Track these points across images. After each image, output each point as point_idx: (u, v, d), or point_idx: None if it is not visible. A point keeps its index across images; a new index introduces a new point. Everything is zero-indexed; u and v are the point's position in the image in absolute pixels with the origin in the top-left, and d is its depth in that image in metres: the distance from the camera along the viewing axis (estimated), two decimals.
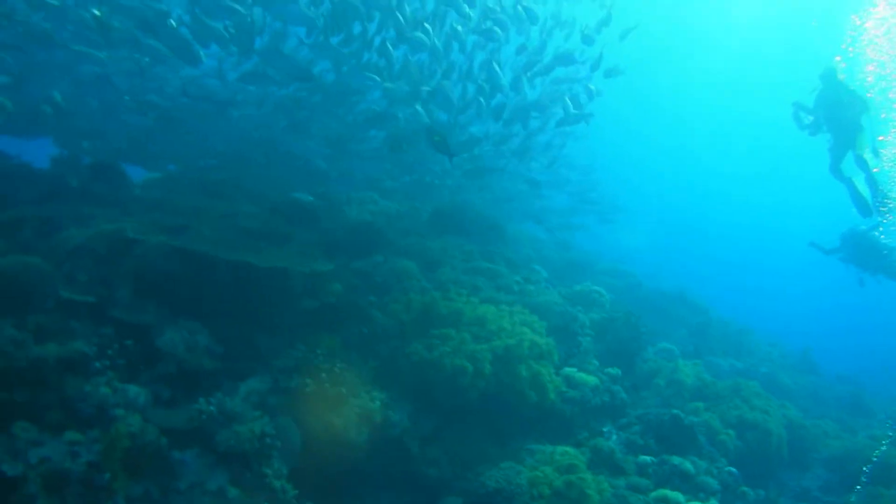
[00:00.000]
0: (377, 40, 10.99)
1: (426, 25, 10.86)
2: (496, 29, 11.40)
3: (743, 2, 36.89)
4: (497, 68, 11.63)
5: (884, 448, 10.08)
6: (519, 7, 11.97)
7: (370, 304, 8.69)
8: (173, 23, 9.40)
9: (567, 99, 13.26)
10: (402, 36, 10.69)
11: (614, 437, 9.05)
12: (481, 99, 11.77)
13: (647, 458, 8.65)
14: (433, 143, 8.48)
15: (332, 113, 12.50)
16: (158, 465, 5.77)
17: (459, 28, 11.75)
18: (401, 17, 10.46)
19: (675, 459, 8.66)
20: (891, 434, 11.07)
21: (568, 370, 9.32)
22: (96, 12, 9.64)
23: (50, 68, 11.13)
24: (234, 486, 5.92)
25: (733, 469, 9.09)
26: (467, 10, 11.14)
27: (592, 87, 14.08)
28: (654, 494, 8.01)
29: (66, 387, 5.82)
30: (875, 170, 10.94)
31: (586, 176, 20.60)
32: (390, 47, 10.88)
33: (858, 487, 9.41)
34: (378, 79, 11.03)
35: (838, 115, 10.98)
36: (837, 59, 11.55)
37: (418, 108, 11.63)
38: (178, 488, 5.76)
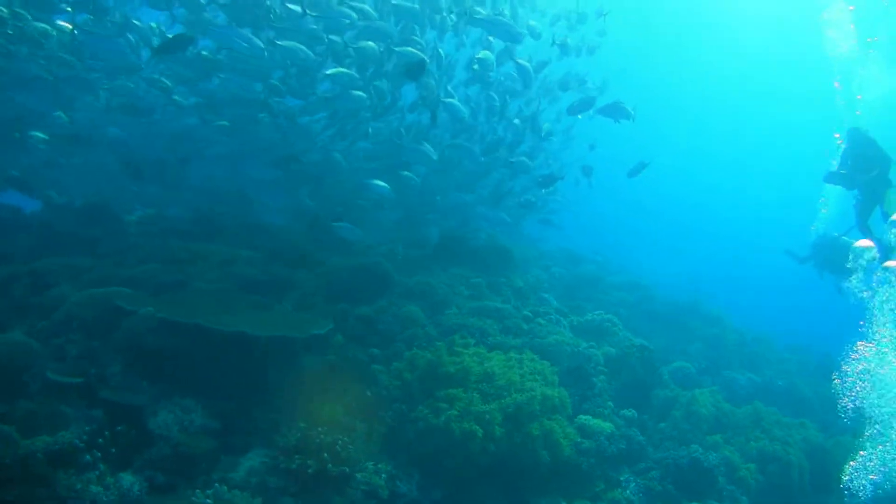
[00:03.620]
0: None
1: None
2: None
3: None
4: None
5: None
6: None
7: (373, 359, 8.34)
8: None
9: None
10: None
11: (632, 484, 8.76)
12: None
13: None
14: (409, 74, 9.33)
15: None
16: None
17: None
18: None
19: None
20: None
21: (583, 418, 8.97)
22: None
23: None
24: None
25: None
26: None
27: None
28: None
29: (56, 483, 5.56)
30: None
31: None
32: None
33: None
34: None
35: (865, 171, 10.52)
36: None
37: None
38: None
